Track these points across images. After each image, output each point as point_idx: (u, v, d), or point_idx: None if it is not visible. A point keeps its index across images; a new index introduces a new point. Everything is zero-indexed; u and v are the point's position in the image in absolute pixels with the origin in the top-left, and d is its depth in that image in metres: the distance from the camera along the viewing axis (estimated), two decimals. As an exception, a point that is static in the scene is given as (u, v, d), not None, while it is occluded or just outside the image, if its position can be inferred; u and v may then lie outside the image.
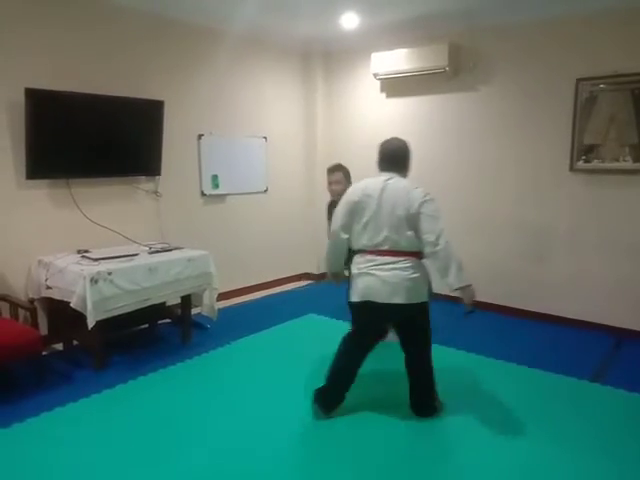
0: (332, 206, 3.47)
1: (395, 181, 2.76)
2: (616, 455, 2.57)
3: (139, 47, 4.31)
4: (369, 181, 2.81)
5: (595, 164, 4.24)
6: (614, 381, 3.37)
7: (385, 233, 2.70)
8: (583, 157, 4.29)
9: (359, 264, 2.80)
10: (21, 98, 3.50)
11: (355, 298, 2.81)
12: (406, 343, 2.94)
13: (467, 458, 2.55)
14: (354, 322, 2.95)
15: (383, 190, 2.72)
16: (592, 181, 4.30)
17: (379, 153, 2.89)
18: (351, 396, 2.96)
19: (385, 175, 2.80)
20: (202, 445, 2.64)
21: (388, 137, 2.96)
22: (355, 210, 2.76)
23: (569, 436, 2.74)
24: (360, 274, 2.78)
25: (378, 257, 2.73)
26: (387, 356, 3.27)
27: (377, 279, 2.71)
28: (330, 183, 3.82)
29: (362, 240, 2.78)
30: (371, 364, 3.02)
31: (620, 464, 2.50)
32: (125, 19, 4.17)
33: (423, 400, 2.94)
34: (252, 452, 2.58)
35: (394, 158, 2.84)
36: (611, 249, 4.27)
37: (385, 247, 2.72)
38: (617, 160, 4.13)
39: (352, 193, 2.82)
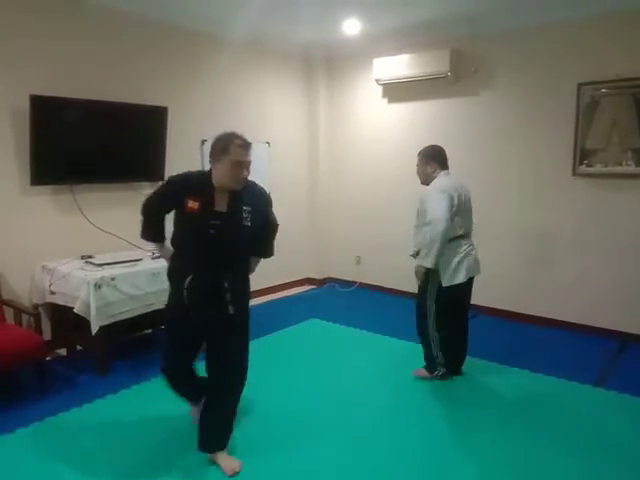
0: (182, 194, 2.38)
1: (458, 177, 3.38)
2: (621, 460, 2.56)
3: (143, 54, 4.34)
4: (452, 178, 3.32)
5: (598, 168, 4.24)
6: (618, 386, 3.35)
7: (468, 221, 3.33)
8: (585, 161, 4.29)
9: (458, 248, 3.26)
10: (26, 105, 3.53)
11: (461, 279, 3.26)
12: (461, 312, 3.50)
13: (469, 462, 2.55)
14: (444, 303, 3.30)
15: (461, 185, 3.29)
16: (595, 185, 4.30)
17: (437, 155, 3.35)
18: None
19: (448, 172, 3.34)
20: (202, 455, 2.64)
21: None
22: (454, 203, 3.19)
23: (572, 441, 2.73)
24: (463, 257, 3.26)
25: (467, 241, 3.33)
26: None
27: (474, 258, 3.34)
28: (242, 164, 2.42)
29: (459, 229, 3.25)
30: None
31: (625, 469, 2.49)
32: (128, 26, 4.20)
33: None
34: (253, 455, 2.58)
35: (446, 159, 3.38)
36: (614, 253, 4.27)
37: (469, 232, 3.35)
38: (620, 164, 4.13)
39: (449, 189, 3.21)
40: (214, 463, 2.49)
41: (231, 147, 2.39)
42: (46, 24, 3.74)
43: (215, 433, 2.51)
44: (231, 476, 2.41)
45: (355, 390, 3.34)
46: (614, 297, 4.29)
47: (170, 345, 2.54)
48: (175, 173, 4.75)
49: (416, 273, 3.31)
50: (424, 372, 3.47)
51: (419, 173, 3.40)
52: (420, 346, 3.51)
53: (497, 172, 4.82)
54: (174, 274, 2.46)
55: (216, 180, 2.40)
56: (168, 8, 4.13)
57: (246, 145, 2.46)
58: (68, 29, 3.85)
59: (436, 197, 3.18)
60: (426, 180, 3.37)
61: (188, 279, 2.34)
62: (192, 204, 2.35)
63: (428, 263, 3.18)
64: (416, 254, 3.40)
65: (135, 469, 2.48)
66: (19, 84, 3.59)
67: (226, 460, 2.48)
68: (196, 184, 2.42)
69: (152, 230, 2.61)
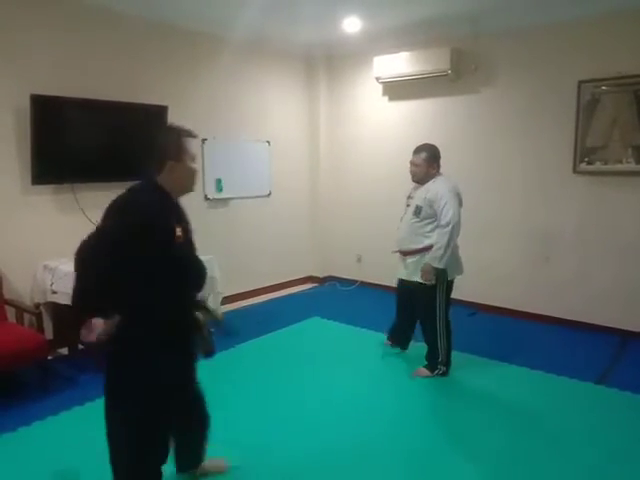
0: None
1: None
2: (622, 458, 2.56)
3: (143, 53, 4.34)
4: (451, 179, 3.40)
5: (598, 166, 4.23)
6: (619, 383, 3.36)
7: None
8: (586, 159, 4.28)
9: (456, 244, 3.34)
10: (27, 104, 3.54)
11: (460, 272, 3.44)
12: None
13: (469, 461, 2.55)
14: (448, 294, 3.41)
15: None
16: (595, 183, 4.30)
17: (439, 156, 3.40)
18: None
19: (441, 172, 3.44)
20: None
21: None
22: (460, 203, 3.35)
23: (573, 439, 2.73)
24: (458, 253, 3.44)
25: None
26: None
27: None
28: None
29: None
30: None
31: (627, 467, 2.49)
32: (129, 26, 4.20)
33: None
34: (257, 454, 2.59)
35: None
36: (615, 250, 4.26)
37: None
38: (620, 162, 4.13)
39: (456, 190, 3.34)
40: (200, 473, 2.37)
41: (184, 141, 1.95)
42: (47, 24, 3.74)
43: (201, 449, 2.34)
44: (226, 473, 2.41)
45: (356, 389, 3.34)
46: (615, 295, 4.29)
47: (160, 424, 2.00)
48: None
49: (427, 272, 3.27)
50: (425, 371, 3.48)
51: (418, 172, 3.40)
52: (422, 345, 3.54)
53: (497, 170, 4.81)
54: (170, 331, 1.90)
55: (174, 189, 1.94)
56: (169, 8, 4.13)
57: (193, 135, 2.00)
58: (69, 29, 3.85)
59: (450, 198, 3.24)
60: (424, 179, 3.39)
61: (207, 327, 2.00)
62: (179, 232, 1.85)
63: (443, 264, 3.22)
64: (406, 253, 3.44)
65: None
66: (20, 83, 3.60)
67: (212, 463, 2.40)
68: (169, 204, 1.92)
69: (107, 293, 1.82)
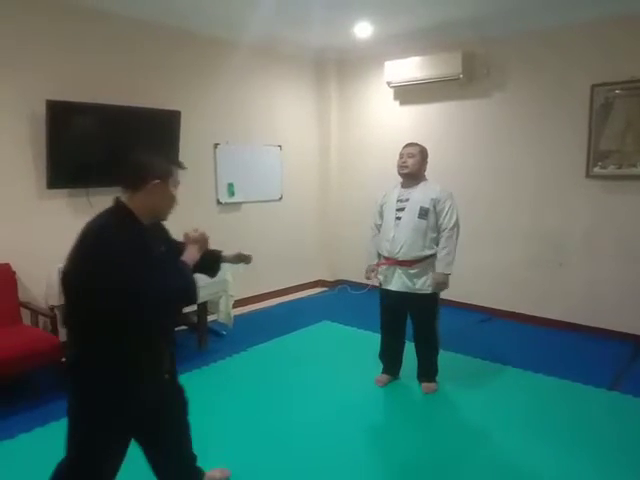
0: None
1: None
2: (637, 465, 2.53)
3: (156, 59, 4.39)
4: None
5: (611, 170, 4.20)
6: (632, 389, 3.32)
7: None
8: (599, 163, 4.25)
9: None
10: (42, 110, 3.60)
11: None
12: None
13: (482, 465, 2.54)
14: None
15: None
16: (608, 187, 4.26)
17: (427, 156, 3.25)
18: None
19: None
20: (218, 452, 2.66)
21: (403, 145, 3.15)
22: None
23: (587, 445, 2.71)
24: None
25: None
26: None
27: None
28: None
29: None
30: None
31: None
32: (142, 32, 4.26)
33: None
34: (267, 459, 2.60)
35: None
36: (628, 255, 4.22)
37: None
38: (634, 166, 4.09)
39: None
40: None
41: (172, 165, 1.93)
42: (61, 31, 3.80)
43: None
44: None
45: (367, 393, 3.34)
46: (628, 300, 4.24)
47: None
48: (188, 176, 4.56)
49: (443, 283, 3.12)
50: (434, 386, 3.35)
51: (413, 163, 3.14)
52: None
53: (510, 174, 4.79)
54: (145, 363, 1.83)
55: (147, 212, 1.89)
56: (181, 14, 4.18)
57: (183, 166, 2.00)
58: (83, 35, 3.91)
59: (454, 200, 3.15)
60: (417, 175, 3.18)
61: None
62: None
63: (451, 269, 3.11)
64: (410, 262, 3.13)
65: (145, 471, 2.50)
66: (36, 90, 3.66)
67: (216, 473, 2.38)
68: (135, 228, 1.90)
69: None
